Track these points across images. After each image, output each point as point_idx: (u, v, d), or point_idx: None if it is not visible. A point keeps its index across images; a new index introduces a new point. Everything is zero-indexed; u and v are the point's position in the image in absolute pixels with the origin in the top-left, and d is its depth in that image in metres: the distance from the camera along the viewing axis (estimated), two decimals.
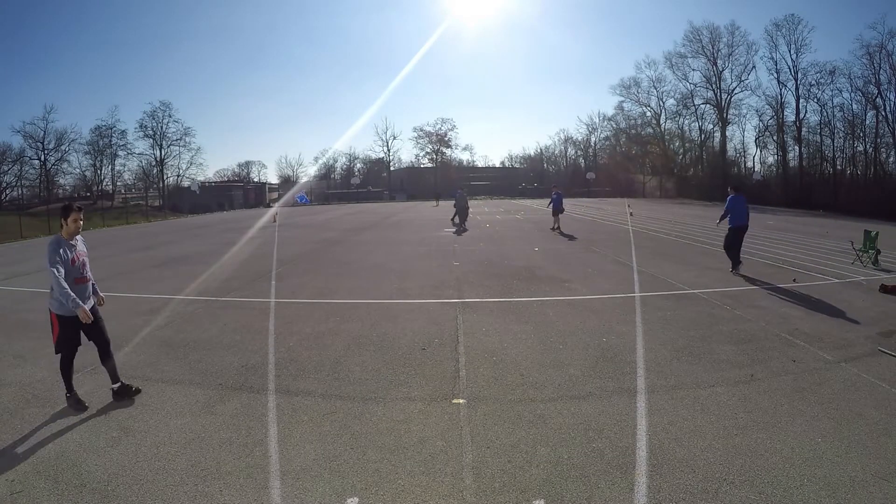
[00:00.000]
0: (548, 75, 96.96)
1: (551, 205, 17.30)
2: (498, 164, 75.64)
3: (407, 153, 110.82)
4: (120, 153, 56.24)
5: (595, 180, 55.03)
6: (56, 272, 3.47)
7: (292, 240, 15.34)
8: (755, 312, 5.99)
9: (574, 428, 3.23)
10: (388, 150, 67.92)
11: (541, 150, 73.94)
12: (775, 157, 49.04)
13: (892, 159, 40.94)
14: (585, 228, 17.60)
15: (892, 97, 38.81)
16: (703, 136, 53.21)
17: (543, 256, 10.77)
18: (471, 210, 19.84)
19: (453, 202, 19.30)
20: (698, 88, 50.84)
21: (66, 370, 3.69)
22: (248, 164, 70.22)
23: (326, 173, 70.37)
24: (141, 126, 55.49)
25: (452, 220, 18.17)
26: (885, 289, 7.03)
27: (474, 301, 6.76)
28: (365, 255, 11.54)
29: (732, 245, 8.73)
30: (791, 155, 46.71)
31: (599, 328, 5.39)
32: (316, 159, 72.82)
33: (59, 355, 3.66)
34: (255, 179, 67.63)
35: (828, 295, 6.96)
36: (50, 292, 3.60)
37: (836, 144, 43.70)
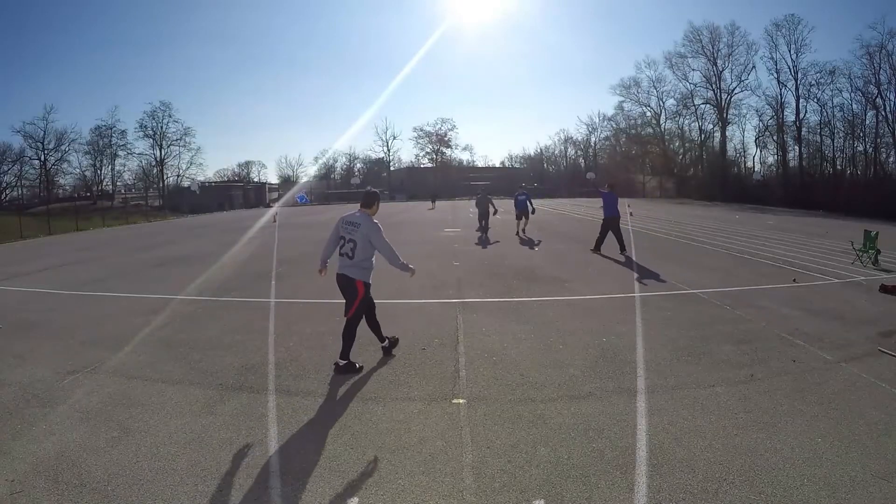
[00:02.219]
0: (548, 75, 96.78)
1: (516, 208, 14.92)
2: (498, 164, 75.60)
3: (407, 153, 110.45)
4: (120, 153, 56.34)
5: (595, 180, 54.98)
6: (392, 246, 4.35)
7: (292, 240, 15.33)
8: (755, 312, 5.99)
9: (574, 428, 3.23)
10: (388, 150, 67.90)
11: (541, 150, 73.82)
12: (775, 157, 49.11)
13: (892, 159, 41.02)
14: (585, 228, 17.59)
15: (892, 97, 38.90)
16: (703, 136, 53.23)
17: (543, 256, 10.77)
18: (471, 212, 16.46)
19: (474, 202, 16.12)
20: (698, 88, 50.88)
21: (352, 335, 4.34)
22: (248, 164, 70.17)
23: (326, 173, 70.28)
24: (141, 126, 55.56)
25: (479, 229, 15.13)
26: (885, 289, 7.03)
27: (474, 301, 6.75)
28: None
29: (604, 229, 11.05)
30: (791, 155, 46.79)
31: (599, 328, 5.38)
32: (316, 159, 72.71)
33: (349, 320, 4.34)
34: (255, 179, 67.61)
35: (828, 295, 6.97)
36: (360, 263, 4.34)
37: (836, 144, 43.77)
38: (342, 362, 4.28)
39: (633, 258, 10.03)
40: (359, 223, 4.32)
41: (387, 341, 4.70)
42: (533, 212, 14.96)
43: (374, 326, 4.62)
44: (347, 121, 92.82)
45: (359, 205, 4.55)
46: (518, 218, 14.95)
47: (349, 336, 4.32)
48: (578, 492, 2.56)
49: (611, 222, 10.86)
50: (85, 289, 8.36)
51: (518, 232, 14.72)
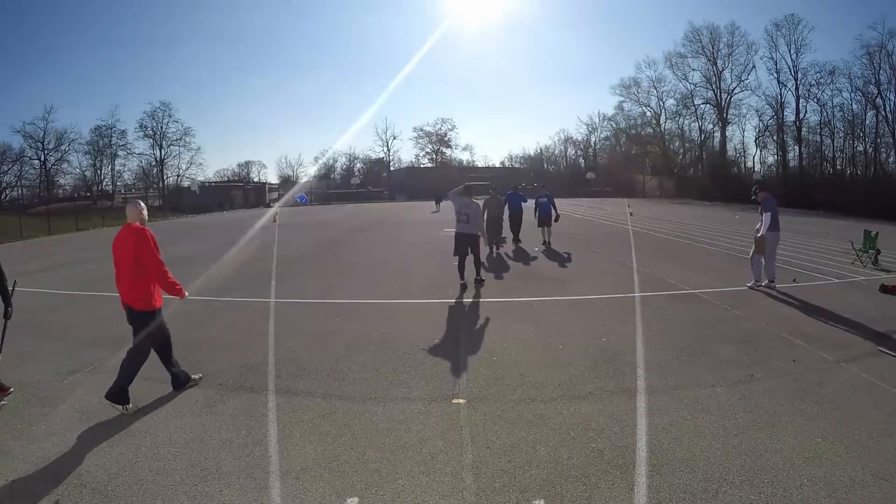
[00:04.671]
0: (548, 75, 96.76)
1: (538, 212, 12.39)
2: (498, 164, 75.57)
3: (407, 153, 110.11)
4: (120, 153, 56.33)
5: (595, 180, 55.02)
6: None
7: (292, 240, 15.34)
8: (755, 312, 5.99)
9: (574, 428, 3.23)
10: (388, 150, 67.97)
11: (541, 150, 73.80)
12: (775, 157, 49.03)
13: (892, 159, 40.92)
14: (585, 228, 17.60)
15: (892, 97, 38.81)
16: (703, 136, 53.21)
17: (543, 256, 10.77)
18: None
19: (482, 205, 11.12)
20: (698, 88, 50.86)
21: (481, 263, 7.91)
22: (248, 164, 70.18)
23: (326, 173, 70.30)
24: (141, 126, 55.58)
25: (491, 243, 11.14)
26: (885, 289, 7.03)
27: (474, 301, 6.75)
28: (365, 256, 11.54)
29: (512, 225, 12.64)
30: (791, 155, 46.72)
31: (599, 328, 5.38)
32: (316, 159, 72.80)
33: (480, 257, 7.91)
34: (255, 179, 67.66)
35: (828, 295, 6.96)
36: (473, 224, 7.45)
37: (836, 144, 43.71)
38: (482, 278, 7.75)
39: (633, 258, 10.03)
40: (470, 203, 7.54)
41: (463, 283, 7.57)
42: (556, 219, 12.44)
43: (465, 266, 7.65)
44: (347, 121, 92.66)
45: (465, 194, 7.67)
46: (541, 225, 12.43)
47: (480, 264, 7.81)
48: (578, 492, 2.56)
49: (514, 216, 12.76)
50: (85, 289, 8.36)
51: (545, 241, 12.36)
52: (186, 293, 3.96)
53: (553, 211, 12.36)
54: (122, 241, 3.79)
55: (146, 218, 3.94)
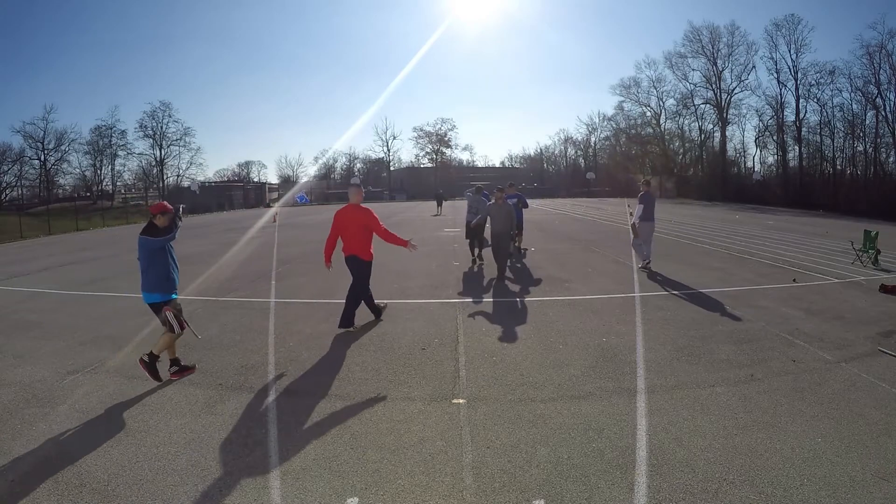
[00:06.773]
0: (548, 75, 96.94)
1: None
2: (498, 164, 75.65)
3: (407, 153, 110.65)
4: (120, 153, 56.34)
5: (595, 180, 55.05)
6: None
7: (292, 240, 15.35)
8: (755, 312, 5.99)
9: (574, 428, 3.23)
10: (388, 150, 68.06)
11: (541, 150, 74.09)
12: (775, 157, 49.05)
13: (892, 159, 40.90)
14: (585, 228, 17.60)
15: (892, 97, 38.79)
16: (703, 136, 53.25)
17: (543, 256, 10.77)
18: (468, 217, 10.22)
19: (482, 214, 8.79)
20: (698, 88, 50.88)
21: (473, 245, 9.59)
22: (248, 164, 70.23)
23: (326, 173, 70.34)
24: (141, 126, 55.57)
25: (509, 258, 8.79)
26: (885, 289, 7.02)
27: (474, 301, 6.75)
28: None
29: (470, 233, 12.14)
30: (791, 155, 46.72)
31: (599, 328, 5.38)
32: (316, 159, 72.90)
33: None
34: (255, 179, 67.67)
35: (828, 295, 6.96)
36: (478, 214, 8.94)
37: (836, 144, 43.69)
38: (481, 258, 9.41)
39: (633, 258, 10.03)
40: (481, 200, 9.55)
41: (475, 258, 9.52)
42: (526, 204, 10.33)
43: (478, 244, 9.58)
44: (347, 121, 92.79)
45: (477, 193, 9.82)
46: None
47: (482, 247, 9.62)
48: (578, 492, 2.56)
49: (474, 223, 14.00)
50: (85, 289, 8.36)
51: (478, 256, 9.77)
52: (411, 244, 5.68)
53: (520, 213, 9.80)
54: (352, 215, 5.45)
55: (363, 198, 5.59)
